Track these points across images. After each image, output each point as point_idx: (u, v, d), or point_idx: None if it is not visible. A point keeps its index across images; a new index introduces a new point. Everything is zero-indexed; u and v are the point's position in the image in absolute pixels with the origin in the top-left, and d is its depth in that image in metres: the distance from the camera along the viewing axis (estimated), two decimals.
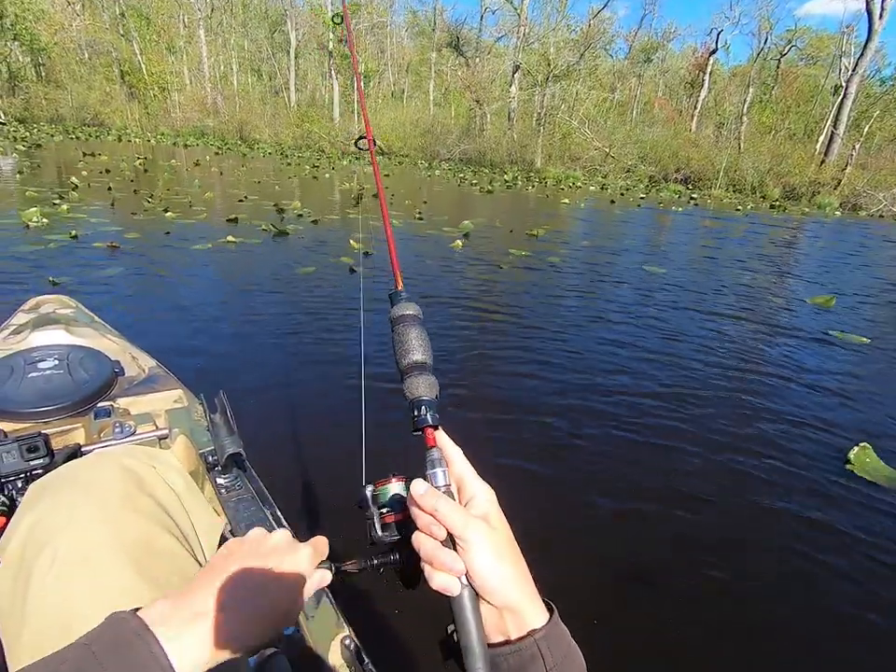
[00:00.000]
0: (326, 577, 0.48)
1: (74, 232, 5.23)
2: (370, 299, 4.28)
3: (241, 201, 8.40)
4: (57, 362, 1.16)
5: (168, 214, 6.72)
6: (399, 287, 0.54)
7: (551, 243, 7.26)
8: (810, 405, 3.00)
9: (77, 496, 0.63)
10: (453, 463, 0.45)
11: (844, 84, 20.23)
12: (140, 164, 12.08)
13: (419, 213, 8.54)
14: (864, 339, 4.20)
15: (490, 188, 13.88)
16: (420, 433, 0.46)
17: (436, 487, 0.43)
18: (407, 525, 0.44)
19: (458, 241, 6.57)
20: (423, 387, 0.47)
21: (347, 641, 0.76)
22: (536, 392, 2.89)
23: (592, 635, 1.45)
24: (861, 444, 2.45)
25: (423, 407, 0.46)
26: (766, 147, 20.22)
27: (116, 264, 4.48)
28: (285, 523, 0.94)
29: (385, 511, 0.45)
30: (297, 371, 2.91)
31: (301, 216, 7.54)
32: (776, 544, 1.93)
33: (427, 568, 0.41)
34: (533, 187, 15.85)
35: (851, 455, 2.43)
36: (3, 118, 23.84)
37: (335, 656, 0.75)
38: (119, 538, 0.60)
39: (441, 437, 0.46)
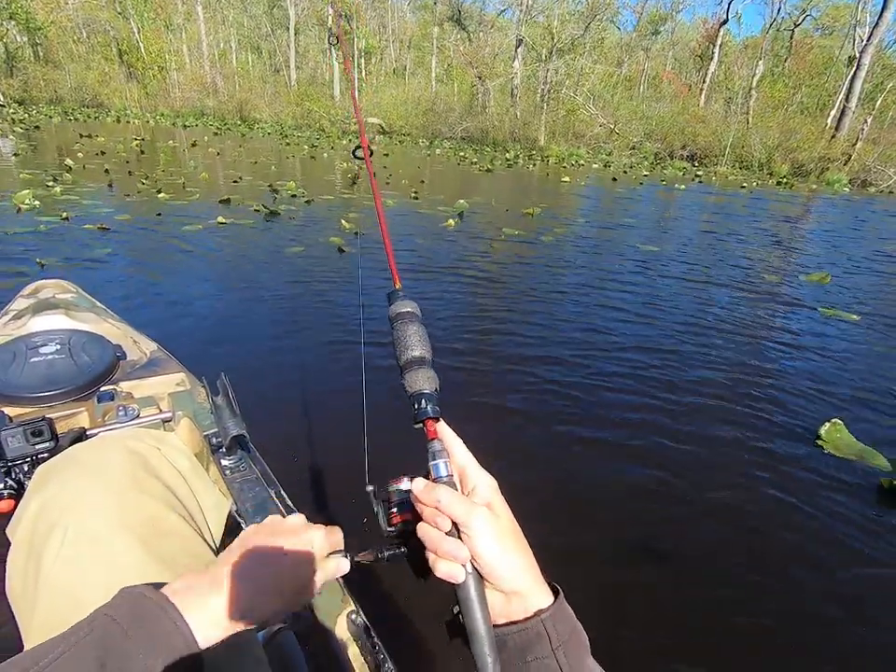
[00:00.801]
0: (342, 565, 0.50)
1: (65, 214, 5.25)
2: (362, 278, 4.30)
3: (236, 182, 8.36)
4: (59, 347, 1.16)
5: (161, 195, 6.71)
6: (398, 286, 0.54)
7: (546, 221, 7.19)
8: (790, 381, 3.00)
9: (84, 478, 0.64)
10: (454, 454, 0.46)
11: (858, 55, 19.58)
12: (137, 146, 12.01)
13: (415, 192, 8.46)
14: (854, 316, 4.17)
15: (490, 166, 13.69)
16: (421, 426, 0.46)
17: (438, 478, 0.44)
18: (415, 521, 0.45)
19: (451, 220, 6.52)
20: (422, 381, 0.47)
21: (353, 616, 0.77)
22: (516, 361, 2.91)
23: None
24: (833, 420, 2.46)
25: (423, 400, 0.46)
26: (775, 121, 19.71)
27: (104, 246, 4.50)
28: (289, 502, 0.96)
29: (394, 510, 0.46)
30: (287, 352, 2.93)
31: (294, 196, 7.50)
32: (738, 518, 1.95)
33: (431, 557, 0.42)
34: (534, 165, 15.62)
35: (822, 431, 2.44)
36: (1, 99, 23.69)
37: (342, 631, 0.76)
38: (126, 518, 0.61)
39: (443, 428, 0.46)
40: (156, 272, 4.07)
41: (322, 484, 1.93)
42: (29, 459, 0.83)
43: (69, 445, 0.80)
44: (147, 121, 21.92)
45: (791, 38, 29.08)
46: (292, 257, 4.71)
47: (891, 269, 5.92)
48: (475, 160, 15.24)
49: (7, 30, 26.57)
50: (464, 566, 0.41)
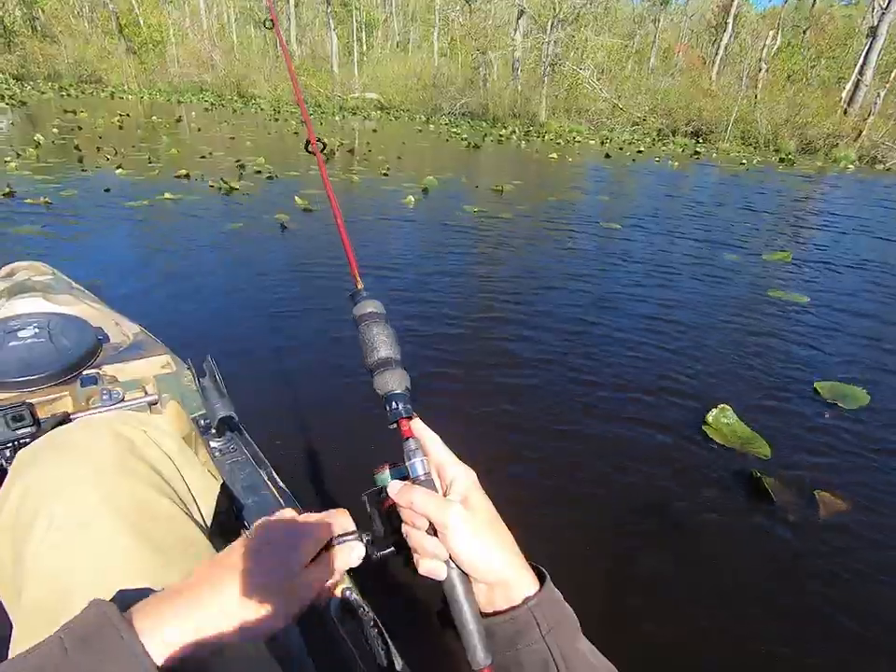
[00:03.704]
0: (356, 550, 0.45)
1: (9, 189, 5.18)
2: (302, 256, 4.21)
3: (203, 157, 8.22)
4: (37, 330, 1.13)
5: (119, 171, 6.62)
6: (359, 287, 0.54)
7: (513, 198, 6.98)
8: (703, 363, 2.86)
9: (67, 461, 0.62)
10: (430, 450, 0.46)
11: (876, 24, 18.62)
12: (117, 121, 11.88)
13: (387, 169, 8.27)
14: (804, 298, 3.98)
15: (478, 143, 13.36)
16: (395, 425, 0.47)
17: (415, 477, 0.44)
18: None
19: (412, 197, 6.35)
20: (392, 382, 0.47)
21: (348, 592, 0.76)
22: (448, 344, 2.81)
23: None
24: (721, 406, 2.33)
25: (394, 401, 0.47)
26: (784, 96, 18.90)
27: (38, 221, 4.44)
28: (281, 483, 0.94)
29: (384, 496, 0.46)
30: (223, 331, 2.88)
31: (259, 172, 7.35)
32: (601, 500, 1.87)
33: (415, 556, 0.43)
34: (527, 141, 15.21)
35: (710, 416, 2.31)
36: None
37: (335, 606, 0.75)
38: (113, 501, 0.59)
39: (417, 426, 0.47)
40: (82, 247, 4.00)
41: (314, 464, 1.91)
42: (10, 445, 0.81)
43: (51, 430, 0.77)
44: (142, 97, 21.73)
45: (812, 7, 27.72)
46: (230, 233, 4.61)
47: (865, 249, 5.65)
48: (465, 136, 14.88)
49: (4, 3, 26.26)
50: (446, 562, 0.41)
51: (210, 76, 27.71)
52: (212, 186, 6.22)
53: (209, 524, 0.72)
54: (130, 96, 21.59)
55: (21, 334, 1.10)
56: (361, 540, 0.45)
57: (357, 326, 0.52)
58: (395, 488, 0.44)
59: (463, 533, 0.41)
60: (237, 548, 0.42)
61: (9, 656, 0.49)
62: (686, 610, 1.50)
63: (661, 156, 13.67)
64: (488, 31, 24.63)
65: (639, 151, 14.34)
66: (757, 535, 1.79)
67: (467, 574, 0.42)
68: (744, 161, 13.54)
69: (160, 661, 0.34)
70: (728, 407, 2.32)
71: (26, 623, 0.52)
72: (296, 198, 5.83)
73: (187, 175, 6.62)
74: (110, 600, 0.37)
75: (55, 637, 0.34)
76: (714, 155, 15.22)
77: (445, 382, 2.53)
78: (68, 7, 30.74)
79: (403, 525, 0.44)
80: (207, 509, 0.73)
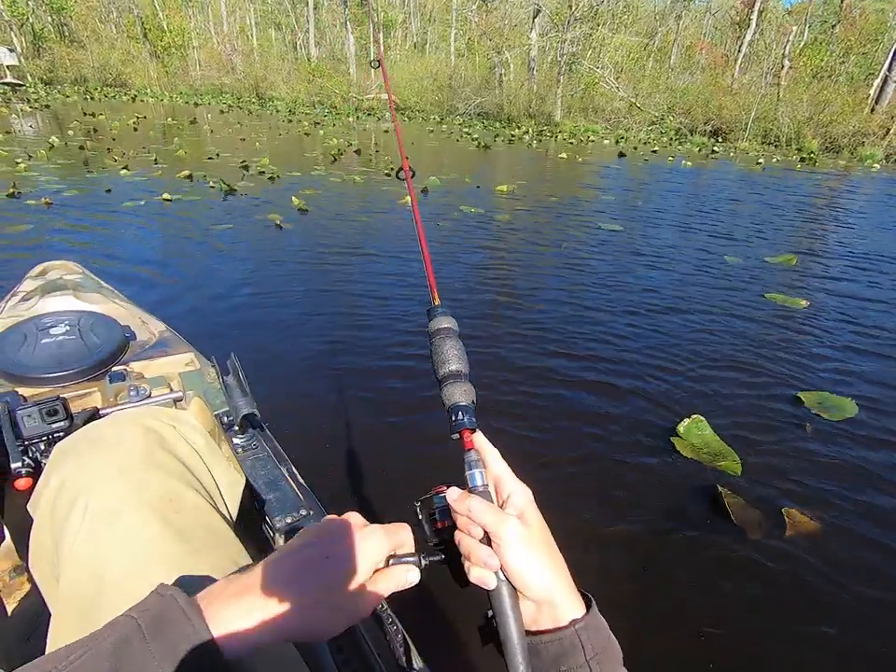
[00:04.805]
0: (410, 576, 0.44)
1: (12, 189, 5.30)
2: (298, 253, 4.22)
3: (210, 158, 8.33)
4: (68, 328, 1.18)
5: (124, 171, 6.73)
6: (437, 303, 0.57)
7: (515, 199, 6.89)
8: (686, 370, 2.74)
9: (101, 455, 0.65)
10: (490, 464, 0.47)
11: None
12: (133, 124, 12.14)
13: (390, 169, 8.25)
14: (803, 302, 3.80)
15: (488, 143, 13.26)
16: (458, 436, 0.48)
17: (473, 488, 0.45)
18: (454, 528, 0.46)
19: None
20: (459, 394, 0.49)
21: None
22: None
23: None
24: (693, 416, 2.22)
25: (459, 412, 0.48)
26: (808, 93, 18.31)
27: (36, 221, 4.52)
28: (301, 480, 0.97)
29: (436, 517, 0.47)
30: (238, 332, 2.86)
31: (262, 173, 7.41)
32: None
33: (466, 563, 0.43)
34: (540, 141, 15.05)
35: (681, 427, 2.21)
36: (29, 80, 24.33)
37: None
38: (143, 494, 0.62)
39: (479, 439, 0.48)
40: (78, 246, 4.05)
41: (333, 461, 1.92)
42: (45, 438, 0.84)
43: (84, 424, 0.81)
44: (162, 100, 22.19)
45: (842, 1, 26.85)
46: (225, 232, 4.63)
47: (881, 251, 5.40)
48: (476, 136, 14.79)
49: (33, 10, 27.11)
50: (496, 573, 0.42)
51: (230, 78, 28.18)
52: (212, 186, 6.28)
53: (234, 517, 0.75)
54: (151, 99, 22.08)
55: (53, 331, 1.15)
56: (420, 563, 0.44)
57: (430, 338, 0.53)
58: (454, 494, 0.44)
59: (517, 547, 0.41)
60: (297, 553, 0.41)
61: (48, 642, 0.53)
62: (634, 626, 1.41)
63: (675, 155, 13.37)
64: (504, 30, 24.47)
65: (654, 151, 14.05)
66: (714, 556, 1.69)
67: (515, 589, 0.42)
68: (760, 161, 13.15)
69: (228, 652, 0.36)
70: (701, 418, 2.21)
71: (63, 610, 0.55)
72: (293, 198, 5.85)
73: (189, 177, 6.69)
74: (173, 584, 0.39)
75: (128, 619, 0.35)
76: (732, 154, 14.83)
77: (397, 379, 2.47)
78: (95, 12, 31.60)
79: (456, 532, 0.44)
80: (233, 502, 0.76)
